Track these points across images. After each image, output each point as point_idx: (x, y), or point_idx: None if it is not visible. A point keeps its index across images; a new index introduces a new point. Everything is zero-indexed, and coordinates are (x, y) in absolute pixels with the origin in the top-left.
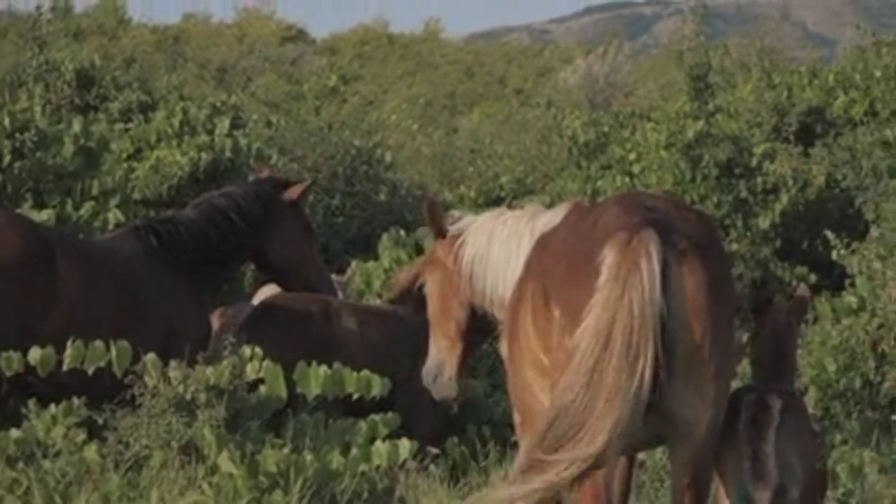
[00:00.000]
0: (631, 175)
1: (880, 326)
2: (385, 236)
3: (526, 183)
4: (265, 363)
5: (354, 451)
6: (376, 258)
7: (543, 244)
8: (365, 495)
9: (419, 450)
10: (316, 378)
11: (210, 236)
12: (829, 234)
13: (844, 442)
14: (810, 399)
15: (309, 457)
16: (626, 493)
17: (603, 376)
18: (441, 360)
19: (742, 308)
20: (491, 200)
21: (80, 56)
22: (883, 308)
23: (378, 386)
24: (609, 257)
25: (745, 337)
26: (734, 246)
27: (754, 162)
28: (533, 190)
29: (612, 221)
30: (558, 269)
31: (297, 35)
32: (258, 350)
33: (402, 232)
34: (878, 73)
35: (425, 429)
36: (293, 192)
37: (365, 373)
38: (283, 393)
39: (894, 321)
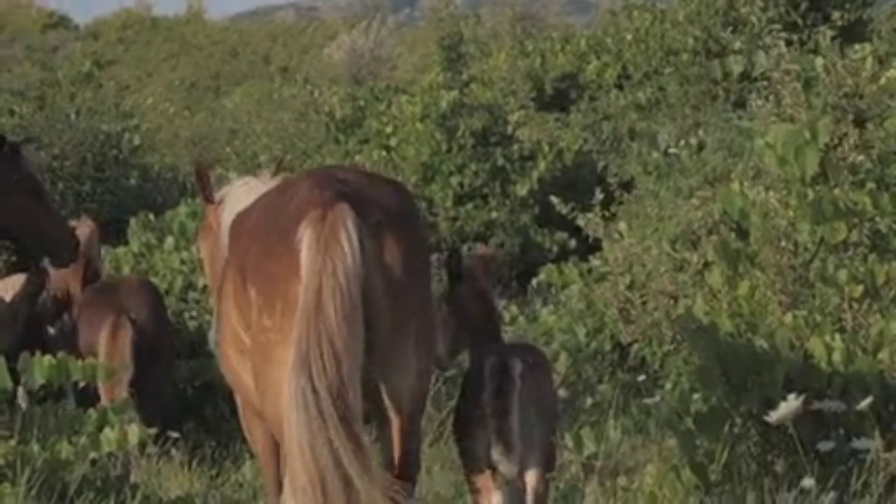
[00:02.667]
0: (388, 148)
1: (629, 287)
2: (133, 221)
3: (284, 160)
4: None
5: (83, 439)
6: (127, 243)
7: (241, 221)
8: (98, 483)
9: (160, 434)
10: (41, 367)
11: None
12: (554, 199)
13: (596, 405)
14: (562, 364)
15: (36, 447)
16: None
17: (330, 340)
18: None
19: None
20: None
21: None
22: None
23: (103, 372)
24: (306, 235)
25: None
26: (493, 214)
27: (509, 130)
28: (292, 168)
29: (305, 198)
30: (254, 248)
31: (59, 22)
32: None
33: (151, 216)
34: (629, 37)
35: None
36: None
37: (90, 360)
38: (8, 383)
39: (640, 283)
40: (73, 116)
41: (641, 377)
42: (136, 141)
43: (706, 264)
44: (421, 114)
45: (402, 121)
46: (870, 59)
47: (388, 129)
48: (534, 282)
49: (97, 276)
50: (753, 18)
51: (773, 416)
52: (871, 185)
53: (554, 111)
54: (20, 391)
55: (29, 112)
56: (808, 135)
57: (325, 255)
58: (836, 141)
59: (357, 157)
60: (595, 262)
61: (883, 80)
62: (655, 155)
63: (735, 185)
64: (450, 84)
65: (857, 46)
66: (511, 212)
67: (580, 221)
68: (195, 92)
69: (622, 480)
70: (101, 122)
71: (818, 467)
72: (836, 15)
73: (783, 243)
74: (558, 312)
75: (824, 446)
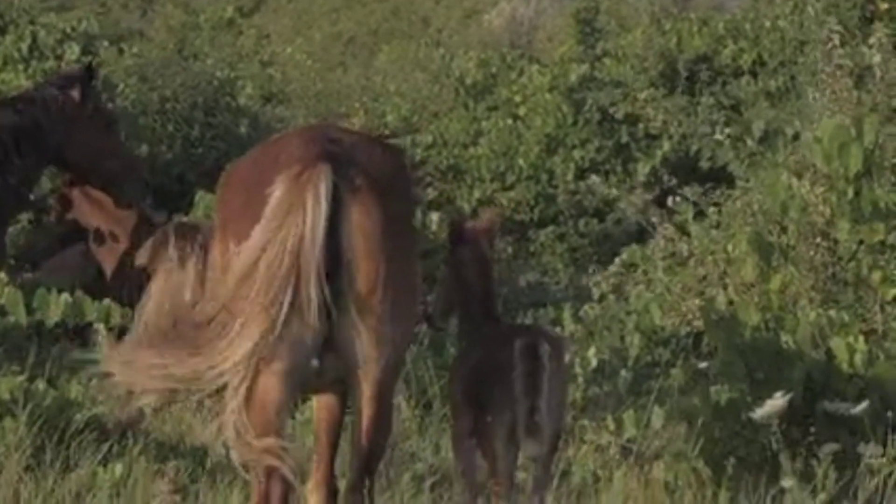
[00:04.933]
0: (516, 117)
1: (704, 277)
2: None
3: (412, 122)
4: (6, 289)
5: (94, 381)
6: None
7: (231, 171)
8: (110, 426)
9: None
10: (56, 305)
11: None
12: (595, 178)
13: (660, 389)
14: (635, 346)
15: (42, 385)
16: (333, 440)
17: (243, 305)
18: None
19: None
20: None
21: None
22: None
23: (118, 315)
24: (277, 190)
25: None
26: (613, 191)
27: (637, 107)
28: (418, 129)
29: (292, 153)
30: (236, 201)
31: None
32: None
33: None
34: (767, 24)
35: None
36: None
37: (107, 301)
38: (24, 319)
39: (717, 272)
40: (189, 60)
41: (704, 364)
42: (249, 89)
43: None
44: (550, 85)
45: (531, 90)
46: None
47: (518, 98)
48: (616, 261)
49: None
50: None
51: (758, 414)
52: None
53: (685, 94)
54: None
55: (132, 52)
56: (853, 132)
57: (283, 220)
58: (882, 140)
59: (483, 124)
60: (681, 245)
61: None
62: (750, 143)
63: (783, 177)
64: (582, 57)
65: None
66: (631, 190)
67: (622, 204)
68: (352, 47)
69: (659, 467)
70: (214, 67)
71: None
72: None
73: (818, 240)
74: (634, 291)
75: (828, 448)
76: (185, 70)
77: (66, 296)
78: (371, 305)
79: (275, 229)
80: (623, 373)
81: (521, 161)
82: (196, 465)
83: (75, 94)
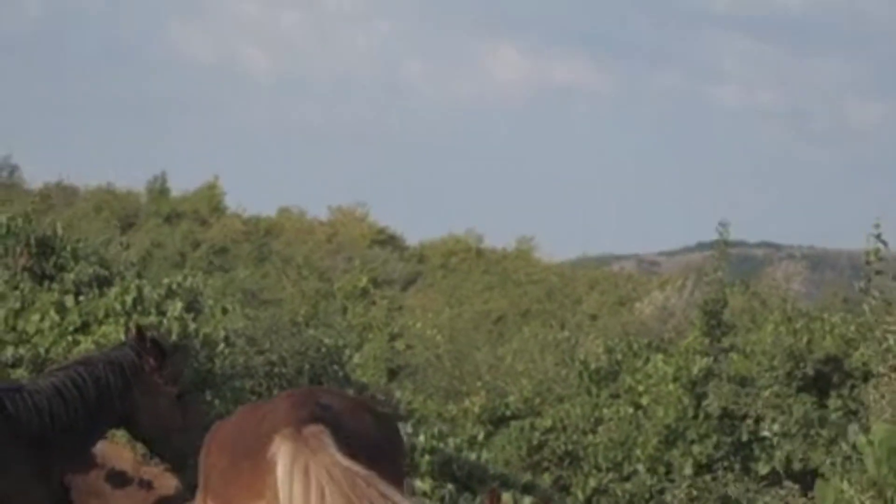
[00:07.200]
0: (638, 406)
1: None
2: None
3: (533, 404)
4: None
5: None
6: None
7: (215, 432)
8: None
9: None
10: None
11: (56, 406)
12: None
13: None
14: None
15: None
16: None
17: None
18: None
19: None
20: (495, 418)
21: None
22: None
23: None
24: (283, 449)
25: None
26: (730, 489)
27: (759, 406)
28: (539, 412)
29: (281, 416)
30: (221, 462)
31: (387, 239)
32: None
33: None
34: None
35: None
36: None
37: None
38: None
39: None
40: (301, 325)
41: None
42: (357, 359)
43: None
44: (674, 375)
45: (655, 380)
46: None
47: (641, 388)
48: None
49: None
50: None
51: None
52: None
53: (812, 393)
54: None
55: (235, 312)
56: None
57: (308, 472)
58: None
59: (605, 411)
60: None
61: None
62: (844, 447)
63: (835, 480)
64: (707, 350)
65: None
66: (747, 490)
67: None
68: (500, 325)
69: None
70: (324, 334)
71: None
72: None
73: None
74: None
75: None
76: (293, 335)
77: None
78: None
79: (302, 491)
80: None
81: (639, 451)
82: None
83: (152, 359)
